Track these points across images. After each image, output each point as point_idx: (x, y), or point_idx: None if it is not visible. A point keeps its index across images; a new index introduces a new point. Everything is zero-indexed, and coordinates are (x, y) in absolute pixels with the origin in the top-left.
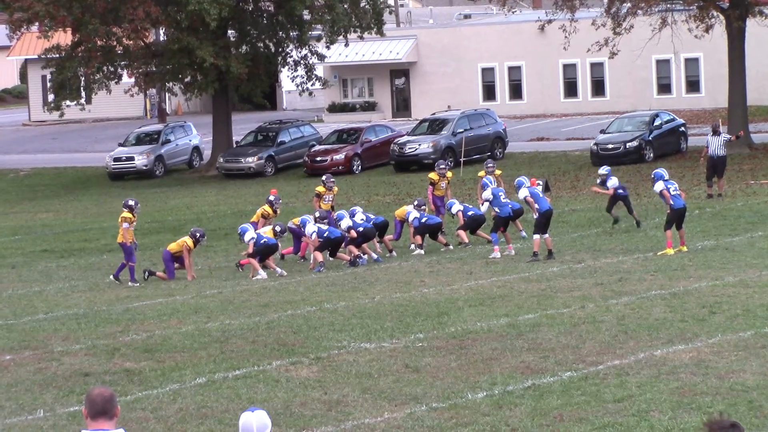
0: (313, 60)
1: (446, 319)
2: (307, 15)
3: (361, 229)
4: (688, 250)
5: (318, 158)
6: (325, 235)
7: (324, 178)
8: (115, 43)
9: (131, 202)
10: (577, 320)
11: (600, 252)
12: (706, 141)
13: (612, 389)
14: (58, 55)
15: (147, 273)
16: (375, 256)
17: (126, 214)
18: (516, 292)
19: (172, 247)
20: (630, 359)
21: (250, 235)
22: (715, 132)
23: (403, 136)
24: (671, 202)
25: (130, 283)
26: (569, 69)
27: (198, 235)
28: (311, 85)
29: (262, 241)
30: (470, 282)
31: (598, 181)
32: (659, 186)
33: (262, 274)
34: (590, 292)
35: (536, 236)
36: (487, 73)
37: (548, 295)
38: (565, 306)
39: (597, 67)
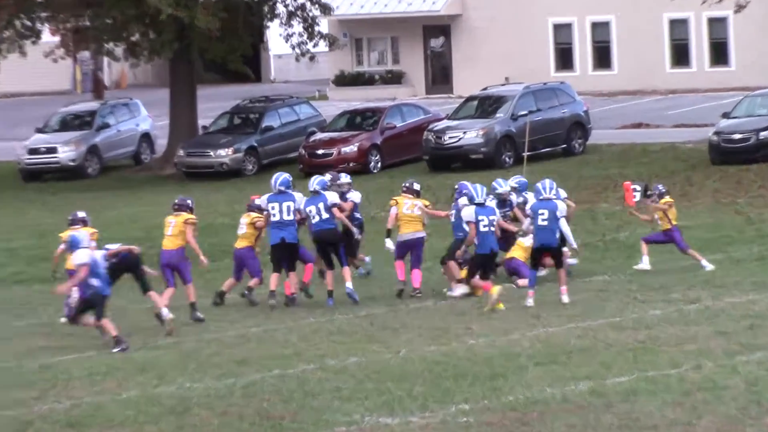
0: (315, 12)
1: (502, 382)
2: None
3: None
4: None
5: (320, 151)
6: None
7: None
8: None
9: (189, 201)
10: (691, 386)
11: (722, 288)
12: None
13: None
14: None
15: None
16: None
17: (188, 216)
18: (602, 345)
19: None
20: None
21: (82, 257)
22: None
23: (441, 120)
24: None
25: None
26: (678, 27)
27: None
28: (313, 47)
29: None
30: (537, 329)
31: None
32: (468, 213)
33: (165, 313)
34: (708, 345)
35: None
36: (562, 31)
37: (648, 349)
38: (672, 365)
39: (718, 25)
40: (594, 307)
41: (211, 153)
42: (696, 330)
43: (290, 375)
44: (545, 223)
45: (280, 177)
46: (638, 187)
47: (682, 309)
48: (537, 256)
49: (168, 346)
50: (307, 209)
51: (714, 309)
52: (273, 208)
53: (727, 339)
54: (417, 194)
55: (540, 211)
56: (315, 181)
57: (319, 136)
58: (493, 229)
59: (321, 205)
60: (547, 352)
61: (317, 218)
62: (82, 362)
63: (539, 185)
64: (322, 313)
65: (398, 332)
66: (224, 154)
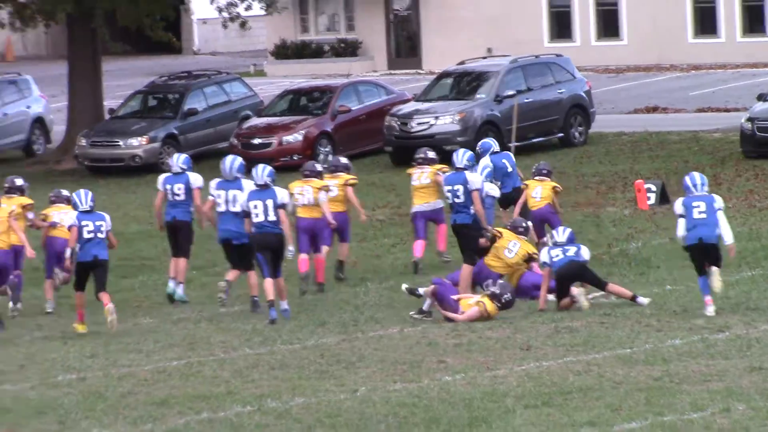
0: None
1: (484, 430)
2: None
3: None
4: None
5: (256, 140)
6: None
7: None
8: None
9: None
10: None
11: (758, 312)
12: None
13: None
14: None
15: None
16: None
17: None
18: (608, 383)
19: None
20: None
21: None
22: None
23: (407, 101)
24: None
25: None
26: None
27: None
28: (245, 9)
29: None
30: (528, 363)
31: None
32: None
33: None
34: (740, 384)
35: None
36: None
37: (665, 389)
38: (695, 407)
39: None
40: (598, 336)
41: (121, 143)
42: (724, 365)
43: (221, 419)
44: (703, 216)
45: (236, 160)
46: (653, 187)
47: (708, 338)
48: (698, 256)
49: (70, 383)
50: (250, 204)
51: (747, 339)
52: (219, 196)
53: (762, 376)
54: (320, 176)
55: (694, 204)
56: (264, 172)
57: (255, 121)
58: None
59: (270, 203)
60: (539, 391)
61: (262, 218)
62: None
63: (689, 182)
64: (260, 342)
65: (355, 366)
66: (137, 144)
